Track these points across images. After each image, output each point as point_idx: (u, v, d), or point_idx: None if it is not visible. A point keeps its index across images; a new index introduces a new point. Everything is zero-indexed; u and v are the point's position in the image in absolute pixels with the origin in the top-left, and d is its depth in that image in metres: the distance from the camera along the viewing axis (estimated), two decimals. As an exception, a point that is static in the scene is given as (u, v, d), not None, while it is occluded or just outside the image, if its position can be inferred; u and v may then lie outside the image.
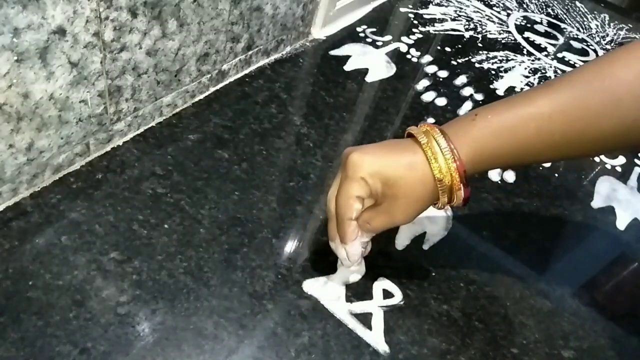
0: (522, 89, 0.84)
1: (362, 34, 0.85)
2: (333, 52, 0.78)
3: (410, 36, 0.89)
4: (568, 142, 0.39)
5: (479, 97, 0.79)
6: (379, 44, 0.84)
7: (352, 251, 0.44)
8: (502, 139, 0.39)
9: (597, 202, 0.67)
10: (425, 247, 0.54)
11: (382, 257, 0.52)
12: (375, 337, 0.45)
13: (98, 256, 0.45)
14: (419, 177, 0.40)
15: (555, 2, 1.18)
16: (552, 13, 1.12)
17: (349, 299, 0.47)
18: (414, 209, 0.41)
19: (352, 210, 0.42)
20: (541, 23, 1.07)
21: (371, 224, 0.42)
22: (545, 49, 0.98)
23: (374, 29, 0.86)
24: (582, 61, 0.97)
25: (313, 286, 0.47)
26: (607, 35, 1.10)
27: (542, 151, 0.40)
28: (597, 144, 0.40)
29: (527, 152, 0.40)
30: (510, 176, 0.67)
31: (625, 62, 0.38)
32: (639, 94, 0.37)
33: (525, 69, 0.90)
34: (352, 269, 0.48)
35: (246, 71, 0.70)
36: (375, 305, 0.47)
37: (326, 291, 0.47)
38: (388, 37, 0.86)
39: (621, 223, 0.65)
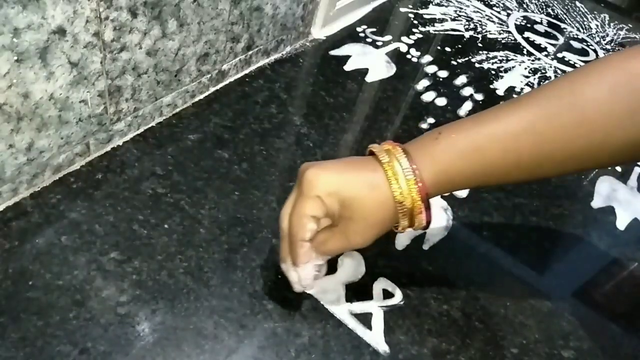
0: (522, 89, 0.84)
1: (362, 34, 0.85)
2: (333, 52, 0.79)
3: (410, 36, 0.89)
4: (536, 162, 0.37)
5: (479, 97, 0.79)
6: (379, 44, 0.84)
7: (304, 274, 0.41)
8: (466, 159, 0.38)
9: (597, 202, 0.67)
10: (425, 247, 0.54)
11: (382, 257, 0.52)
12: (375, 337, 0.45)
13: (98, 256, 0.45)
14: (378, 199, 0.38)
15: (555, 2, 1.18)
16: (552, 13, 1.12)
17: (349, 299, 0.47)
18: (372, 232, 0.39)
19: (306, 230, 0.39)
20: (541, 23, 1.07)
21: (326, 246, 0.40)
22: (545, 49, 0.98)
23: (374, 29, 0.86)
24: (583, 61, 0.98)
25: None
26: (607, 35, 1.10)
27: (509, 172, 0.38)
28: (565, 164, 0.38)
29: (493, 173, 0.38)
30: (510, 176, 0.67)
31: (598, 78, 0.36)
32: (609, 113, 0.35)
33: (525, 69, 0.90)
34: (306, 289, 0.44)
35: (246, 71, 0.70)
36: (375, 305, 0.47)
37: (326, 291, 0.47)
38: (388, 37, 0.86)
39: (621, 223, 0.65)
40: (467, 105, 0.77)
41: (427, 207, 0.38)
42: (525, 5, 1.12)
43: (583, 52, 1.01)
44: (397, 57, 0.82)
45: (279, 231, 0.42)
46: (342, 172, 0.39)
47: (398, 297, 0.49)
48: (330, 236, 0.40)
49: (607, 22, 1.15)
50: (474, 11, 1.03)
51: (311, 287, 0.43)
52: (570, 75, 0.38)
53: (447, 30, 0.94)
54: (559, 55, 0.97)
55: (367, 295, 0.48)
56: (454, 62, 0.85)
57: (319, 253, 0.41)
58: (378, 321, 0.46)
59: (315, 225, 0.39)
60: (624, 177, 0.73)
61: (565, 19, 1.12)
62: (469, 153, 0.38)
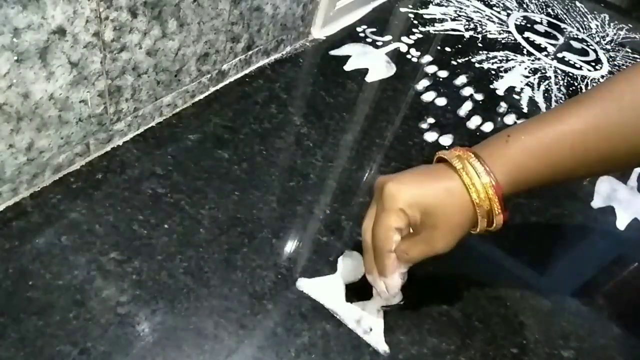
0: (522, 89, 0.84)
1: (362, 34, 0.85)
2: (333, 52, 0.78)
3: (410, 36, 0.89)
4: (602, 158, 0.39)
5: (479, 97, 0.79)
6: (379, 44, 0.84)
7: (392, 284, 0.42)
8: (537, 158, 0.39)
9: (597, 202, 0.67)
10: (425, 247, 0.54)
11: (382, 257, 0.52)
12: (375, 337, 0.45)
13: (98, 256, 0.45)
14: (457, 204, 0.39)
15: (555, 2, 1.18)
16: (552, 13, 1.12)
17: (349, 299, 0.47)
18: (454, 237, 0.40)
19: (392, 242, 0.40)
20: (541, 23, 1.07)
21: (409, 254, 0.41)
22: (545, 49, 0.98)
23: (374, 29, 0.86)
24: (582, 61, 0.98)
25: (308, 284, 0.47)
26: (607, 35, 1.10)
27: (577, 169, 0.40)
28: (630, 158, 0.39)
29: (561, 171, 0.40)
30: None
31: None
32: None
33: (525, 69, 0.90)
34: (391, 301, 0.46)
35: (246, 71, 0.70)
36: (375, 305, 0.47)
37: (326, 291, 0.47)
38: (388, 37, 0.86)
39: (621, 223, 0.65)
40: (467, 105, 0.77)
41: (505, 208, 0.40)
42: (525, 5, 1.12)
43: (583, 52, 1.01)
44: (397, 57, 0.82)
45: (362, 243, 0.43)
46: (420, 182, 0.40)
47: (398, 297, 0.48)
48: (412, 244, 0.41)
49: (607, 22, 1.15)
50: (474, 11, 1.03)
51: (397, 296, 0.44)
52: (625, 74, 0.40)
53: (447, 30, 0.94)
54: (559, 55, 0.97)
55: (367, 295, 0.48)
56: (454, 62, 0.85)
57: (403, 261, 0.42)
58: (378, 321, 0.46)
59: (400, 237, 0.41)
60: (624, 177, 0.73)
61: (565, 19, 1.12)
62: (539, 153, 0.39)
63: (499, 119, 0.77)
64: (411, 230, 0.42)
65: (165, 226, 0.49)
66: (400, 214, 0.40)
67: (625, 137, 0.38)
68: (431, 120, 0.72)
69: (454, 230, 0.40)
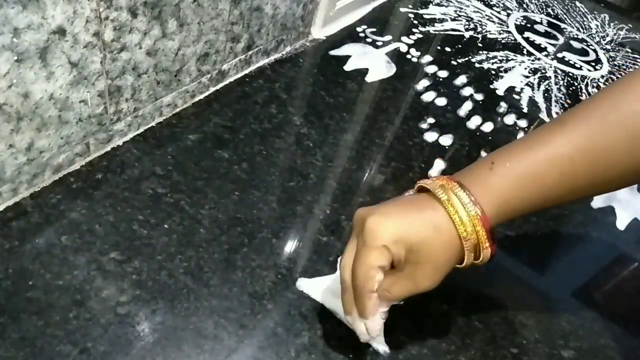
0: (522, 89, 0.84)
1: (362, 34, 0.85)
2: (333, 52, 0.78)
3: (410, 36, 0.89)
4: (590, 181, 0.38)
5: (479, 97, 0.79)
6: (379, 44, 0.84)
7: (372, 326, 0.40)
8: (524, 186, 0.37)
9: (597, 202, 0.67)
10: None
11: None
12: (376, 337, 0.45)
13: (98, 256, 0.45)
14: (443, 239, 0.37)
15: (555, 2, 1.18)
16: (552, 13, 1.12)
17: (349, 299, 0.47)
18: (440, 274, 0.38)
19: (374, 282, 0.37)
20: (541, 23, 1.07)
21: (392, 293, 0.38)
22: (545, 49, 0.98)
23: (374, 29, 0.86)
24: (582, 61, 0.98)
25: (308, 284, 0.47)
26: (607, 35, 1.10)
27: (565, 194, 0.38)
28: (620, 180, 0.38)
29: (550, 197, 0.38)
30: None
31: (638, 93, 0.37)
32: None
33: (525, 69, 0.90)
34: (372, 340, 0.42)
35: (246, 71, 0.70)
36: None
37: (326, 291, 0.47)
38: (388, 37, 0.86)
39: (621, 223, 0.65)
40: (467, 105, 0.77)
41: (493, 241, 0.38)
42: (525, 5, 1.12)
43: (583, 52, 1.01)
44: (397, 57, 0.82)
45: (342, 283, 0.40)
46: (404, 216, 0.38)
47: (380, 337, 0.48)
48: (394, 281, 0.38)
49: (607, 22, 1.15)
50: (474, 11, 1.03)
51: (378, 336, 0.41)
52: (608, 91, 0.38)
53: (447, 30, 0.94)
54: (559, 55, 0.97)
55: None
56: (454, 62, 0.85)
57: (385, 300, 0.39)
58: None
59: (382, 276, 0.38)
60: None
61: (565, 19, 1.12)
62: (526, 180, 0.37)
63: (499, 119, 0.77)
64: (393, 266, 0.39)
65: (165, 226, 0.49)
66: (383, 251, 0.37)
67: (613, 160, 0.37)
68: (431, 120, 0.72)
69: (440, 267, 0.38)
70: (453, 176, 0.39)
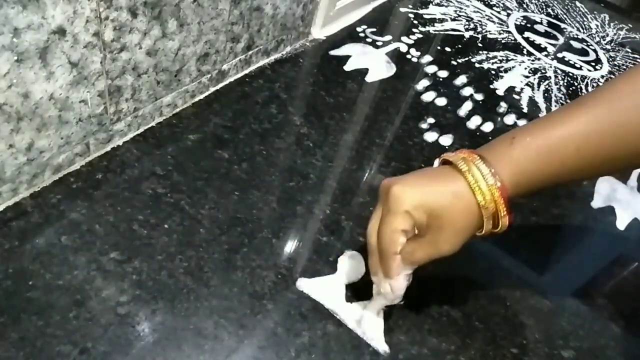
0: (522, 89, 0.84)
1: (362, 34, 0.85)
2: (333, 52, 0.78)
3: (410, 36, 0.89)
4: (607, 159, 0.39)
5: (479, 97, 0.79)
6: (379, 44, 0.84)
7: (397, 285, 0.42)
8: (542, 160, 0.39)
9: (597, 202, 0.67)
10: (425, 247, 0.54)
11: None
12: (375, 337, 0.45)
13: (98, 256, 0.45)
14: (463, 206, 0.39)
15: (555, 2, 1.18)
16: (552, 13, 1.12)
17: (349, 299, 0.47)
18: (460, 239, 0.40)
19: (397, 244, 0.41)
20: (541, 23, 1.07)
21: (414, 256, 0.41)
22: (545, 49, 0.98)
23: (374, 29, 0.86)
24: (582, 61, 0.98)
25: (308, 284, 0.47)
26: (607, 35, 1.10)
27: (581, 170, 0.40)
28: (632, 159, 0.39)
29: (566, 172, 0.40)
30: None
31: None
32: None
33: (525, 69, 0.90)
34: (394, 301, 0.45)
35: (246, 71, 0.70)
36: (375, 306, 0.47)
37: (326, 291, 0.47)
38: (388, 37, 0.86)
39: (621, 223, 0.65)
40: (467, 105, 0.77)
41: (510, 210, 0.39)
42: (525, 5, 1.12)
43: (583, 52, 1.01)
44: (397, 57, 0.82)
45: (366, 246, 0.43)
46: (426, 185, 0.40)
47: (400, 297, 0.48)
48: (418, 246, 0.41)
49: (607, 22, 1.15)
50: (474, 11, 1.03)
51: (402, 297, 0.44)
52: (627, 74, 0.40)
53: (447, 30, 0.94)
54: (559, 55, 0.97)
55: (367, 296, 0.48)
56: (454, 62, 0.85)
57: (408, 263, 0.42)
58: (378, 321, 0.46)
59: (405, 240, 0.41)
60: (624, 177, 0.73)
61: (565, 19, 1.12)
62: (545, 154, 0.39)
63: (499, 119, 0.77)
64: (416, 232, 0.42)
65: (165, 226, 0.49)
66: (406, 217, 0.40)
67: (630, 139, 0.38)
68: (431, 120, 0.72)
69: (459, 233, 0.40)
70: (475, 150, 0.41)
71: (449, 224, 0.40)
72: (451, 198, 0.39)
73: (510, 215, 0.40)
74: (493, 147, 0.41)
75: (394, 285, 0.42)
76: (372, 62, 0.79)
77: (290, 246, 0.50)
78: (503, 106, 0.79)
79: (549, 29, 1.05)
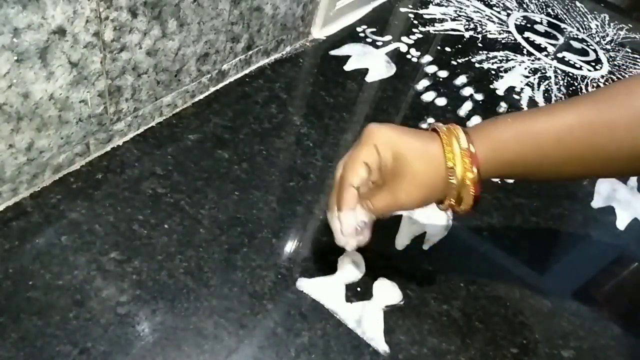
0: (522, 89, 0.84)
1: (362, 34, 0.85)
2: (333, 52, 0.78)
3: (410, 36, 0.89)
4: (586, 155, 0.38)
5: (479, 97, 0.79)
6: (379, 44, 0.84)
7: (345, 222, 0.41)
8: (521, 142, 0.39)
9: (597, 202, 0.67)
10: (425, 247, 0.54)
11: (382, 257, 0.52)
12: (375, 337, 0.45)
13: (98, 256, 0.45)
14: (430, 162, 0.39)
15: (555, 2, 1.18)
16: (552, 13, 1.12)
17: (349, 299, 0.47)
18: (419, 194, 0.40)
19: (356, 175, 0.40)
20: (541, 23, 1.07)
21: (373, 203, 0.41)
22: (545, 49, 0.98)
23: (374, 29, 0.86)
24: (582, 61, 0.98)
25: (308, 284, 0.47)
26: (607, 35, 1.10)
27: (561, 164, 0.39)
28: (617, 162, 0.39)
29: (545, 163, 0.39)
30: (510, 176, 0.67)
31: None
32: None
33: (525, 69, 0.90)
34: (346, 245, 0.43)
35: (246, 71, 0.70)
36: (375, 305, 0.47)
37: (326, 291, 0.47)
38: (388, 37, 0.86)
39: (621, 223, 0.65)
40: (467, 105, 0.77)
41: (478, 183, 0.39)
42: (525, 5, 1.12)
43: (583, 52, 1.01)
44: (397, 57, 0.82)
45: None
46: (402, 132, 0.41)
47: (398, 297, 0.49)
48: (377, 193, 0.41)
49: (607, 22, 1.15)
50: (474, 11, 1.03)
51: (352, 244, 0.43)
52: (625, 81, 0.40)
53: (447, 30, 0.94)
54: (559, 55, 0.97)
55: (367, 295, 0.48)
56: (454, 62, 0.85)
57: (366, 209, 0.41)
58: (378, 321, 0.46)
59: (365, 174, 0.40)
60: (624, 177, 0.73)
61: (565, 19, 1.12)
62: (524, 137, 0.39)
63: (499, 119, 0.77)
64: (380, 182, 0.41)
65: (165, 226, 0.49)
66: (372, 150, 0.40)
67: (614, 137, 0.37)
68: (431, 120, 0.72)
69: (420, 187, 0.40)
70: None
71: (411, 173, 0.39)
72: (421, 150, 0.39)
73: (477, 188, 0.39)
74: (477, 126, 0.41)
75: (342, 221, 0.41)
76: (372, 62, 0.79)
77: (290, 246, 0.50)
78: (503, 106, 0.79)
79: (549, 29, 1.05)
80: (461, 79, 0.82)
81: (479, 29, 0.97)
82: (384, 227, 0.47)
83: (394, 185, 0.40)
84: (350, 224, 0.42)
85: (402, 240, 0.54)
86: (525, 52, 0.95)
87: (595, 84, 0.92)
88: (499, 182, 0.65)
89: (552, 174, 0.41)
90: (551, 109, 0.40)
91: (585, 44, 1.04)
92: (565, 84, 0.89)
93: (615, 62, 1.01)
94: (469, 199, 0.40)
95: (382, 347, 0.45)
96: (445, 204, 0.41)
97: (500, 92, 0.82)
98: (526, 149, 0.39)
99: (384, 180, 0.41)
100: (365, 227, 0.42)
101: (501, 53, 0.92)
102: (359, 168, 0.40)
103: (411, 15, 0.95)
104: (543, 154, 0.39)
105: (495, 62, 0.89)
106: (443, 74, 0.82)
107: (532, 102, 0.82)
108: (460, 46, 0.90)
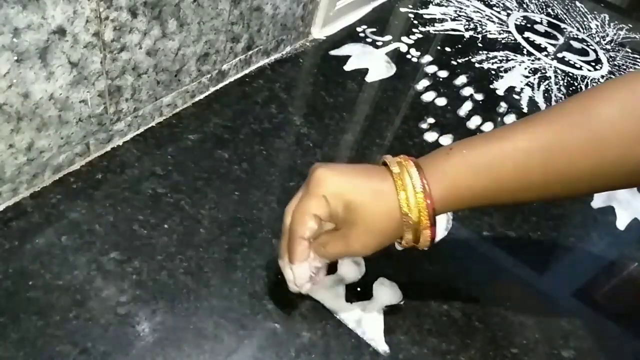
0: (522, 89, 0.84)
1: (362, 34, 0.85)
2: (333, 52, 0.78)
3: (410, 36, 0.89)
4: (546, 181, 0.37)
5: (479, 97, 0.79)
6: (379, 44, 0.84)
7: (298, 273, 0.40)
8: (477, 175, 0.37)
9: (597, 202, 0.67)
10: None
11: (382, 257, 0.52)
12: (375, 337, 0.45)
13: (98, 256, 0.45)
14: (383, 207, 0.37)
15: (555, 2, 1.18)
16: (552, 13, 1.12)
17: (349, 299, 0.47)
18: (373, 241, 0.39)
19: (306, 228, 0.39)
20: (541, 23, 1.07)
21: (325, 249, 0.40)
22: (545, 49, 0.98)
23: (374, 29, 0.86)
24: (582, 61, 0.98)
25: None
26: (607, 35, 1.10)
27: (519, 190, 0.38)
28: (576, 184, 0.37)
29: (503, 191, 0.38)
30: (510, 176, 0.67)
31: (609, 97, 0.36)
32: (621, 132, 0.35)
33: (525, 69, 0.90)
34: (301, 290, 0.42)
35: (246, 71, 0.70)
36: (375, 305, 0.47)
37: (326, 291, 0.47)
38: (388, 37, 0.86)
39: (621, 223, 0.65)
40: (467, 105, 0.77)
41: (433, 223, 0.38)
42: (525, 5, 1.12)
43: (583, 52, 1.01)
44: (397, 57, 0.82)
45: (280, 229, 0.42)
46: (351, 176, 0.39)
47: (398, 297, 0.49)
48: (331, 239, 0.40)
49: (607, 22, 1.15)
50: (474, 11, 1.03)
51: (306, 288, 0.42)
52: (579, 96, 0.38)
53: (447, 30, 0.94)
54: (559, 55, 0.97)
55: (367, 295, 0.48)
56: (454, 62, 0.85)
57: (319, 255, 0.40)
58: (378, 321, 0.46)
59: (315, 225, 0.39)
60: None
61: (565, 19, 1.12)
62: (480, 169, 0.37)
63: (499, 119, 0.77)
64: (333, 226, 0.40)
65: (165, 226, 0.49)
66: (321, 201, 0.38)
67: (571, 160, 0.36)
68: (431, 120, 0.72)
69: (373, 234, 0.38)
70: (414, 158, 0.40)
71: (363, 221, 0.38)
72: (373, 195, 0.38)
73: (433, 230, 0.38)
74: (429, 157, 0.39)
75: (296, 273, 0.40)
76: (372, 62, 0.79)
77: (290, 246, 0.50)
78: (503, 106, 0.79)
79: (549, 29, 1.05)
80: (461, 79, 0.82)
81: (479, 29, 0.97)
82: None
83: (347, 233, 0.39)
84: (303, 275, 0.41)
85: (402, 240, 0.54)
86: (525, 52, 0.95)
87: (595, 84, 0.92)
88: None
89: (512, 201, 0.39)
90: (505, 133, 0.38)
91: (585, 44, 1.04)
92: (565, 84, 0.89)
93: (615, 62, 1.01)
94: (425, 240, 0.39)
95: (382, 347, 0.45)
96: (403, 244, 0.40)
97: (500, 92, 0.82)
98: (482, 180, 0.37)
99: (337, 226, 0.40)
100: (319, 270, 0.42)
101: (501, 53, 0.92)
102: (309, 221, 0.38)
103: (411, 15, 0.95)
104: (500, 183, 0.37)
105: (495, 62, 0.89)
106: (443, 74, 0.82)
107: (532, 102, 0.82)
108: (460, 46, 0.90)
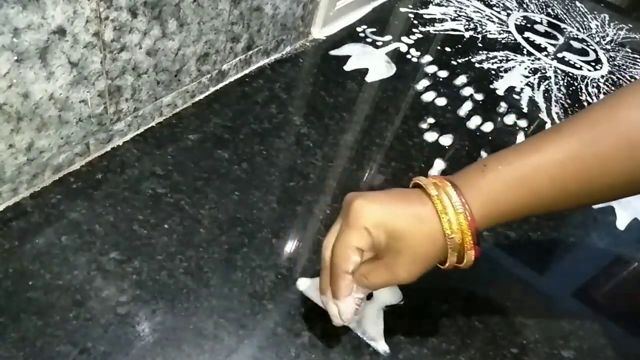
0: (522, 89, 0.84)
1: (362, 34, 0.85)
2: (333, 52, 0.79)
3: (410, 36, 0.89)
4: (582, 189, 0.37)
5: (479, 97, 0.79)
6: (379, 44, 0.84)
7: (344, 308, 0.39)
8: (515, 190, 0.37)
9: (597, 202, 0.67)
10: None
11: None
12: (376, 337, 0.45)
13: (98, 256, 0.45)
14: (426, 232, 0.37)
15: (555, 2, 1.18)
16: (552, 13, 1.12)
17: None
18: (418, 267, 0.38)
19: (350, 262, 0.38)
20: (541, 23, 1.07)
21: (369, 279, 0.38)
22: (545, 49, 0.98)
23: (374, 29, 0.86)
24: (582, 61, 0.98)
25: (308, 284, 0.47)
26: (607, 35, 1.10)
27: (556, 201, 0.38)
28: (612, 190, 0.37)
29: (540, 203, 0.38)
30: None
31: (633, 101, 0.36)
32: None
33: (525, 69, 0.90)
34: (345, 323, 0.41)
35: (246, 71, 0.70)
36: (375, 305, 0.47)
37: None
38: (388, 37, 0.86)
39: (621, 223, 0.65)
40: (467, 105, 0.77)
41: (477, 243, 0.37)
42: (525, 5, 1.12)
43: (583, 52, 1.01)
44: (397, 57, 0.82)
45: (320, 261, 0.41)
46: (390, 203, 0.38)
47: (398, 297, 0.49)
48: (373, 269, 0.38)
49: (607, 22, 1.15)
50: (474, 11, 1.03)
51: (350, 321, 0.41)
52: (603, 103, 0.38)
53: (447, 30, 0.94)
54: (559, 55, 0.97)
55: (367, 295, 0.48)
56: (454, 62, 0.85)
57: (361, 285, 0.39)
58: (378, 321, 0.46)
59: (359, 258, 0.38)
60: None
61: (565, 19, 1.12)
62: (517, 184, 0.37)
63: (499, 119, 0.77)
64: (375, 254, 0.39)
65: (165, 226, 0.49)
66: (363, 233, 0.37)
67: (605, 167, 0.36)
68: (431, 120, 0.72)
69: (419, 260, 0.37)
70: (448, 176, 0.39)
71: (408, 248, 0.37)
72: (415, 221, 0.37)
73: (477, 249, 0.37)
74: (464, 175, 0.39)
75: (341, 308, 0.39)
76: (372, 62, 0.79)
77: (290, 246, 0.50)
78: (503, 106, 0.79)
79: (549, 29, 1.05)
80: (461, 79, 0.82)
81: (479, 29, 0.97)
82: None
83: (390, 261, 0.38)
84: (349, 310, 0.40)
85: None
86: (525, 52, 0.95)
87: (595, 84, 0.92)
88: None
89: (550, 210, 0.39)
90: (537, 145, 0.38)
91: (585, 44, 1.04)
92: (565, 84, 0.89)
93: (615, 62, 1.01)
94: (469, 259, 0.38)
95: (382, 347, 0.45)
96: (447, 266, 0.39)
97: (500, 92, 0.82)
98: (519, 195, 0.37)
99: (379, 255, 0.38)
100: (362, 300, 0.41)
101: (501, 53, 0.92)
102: (352, 255, 0.38)
103: (411, 15, 0.95)
104: (537, 196, 0.37)
105: (495, 62, 0.89)
106: (443, 74, 0.82)
107: (532, 102, 0.82)
108: (460, 46, 0.90)
